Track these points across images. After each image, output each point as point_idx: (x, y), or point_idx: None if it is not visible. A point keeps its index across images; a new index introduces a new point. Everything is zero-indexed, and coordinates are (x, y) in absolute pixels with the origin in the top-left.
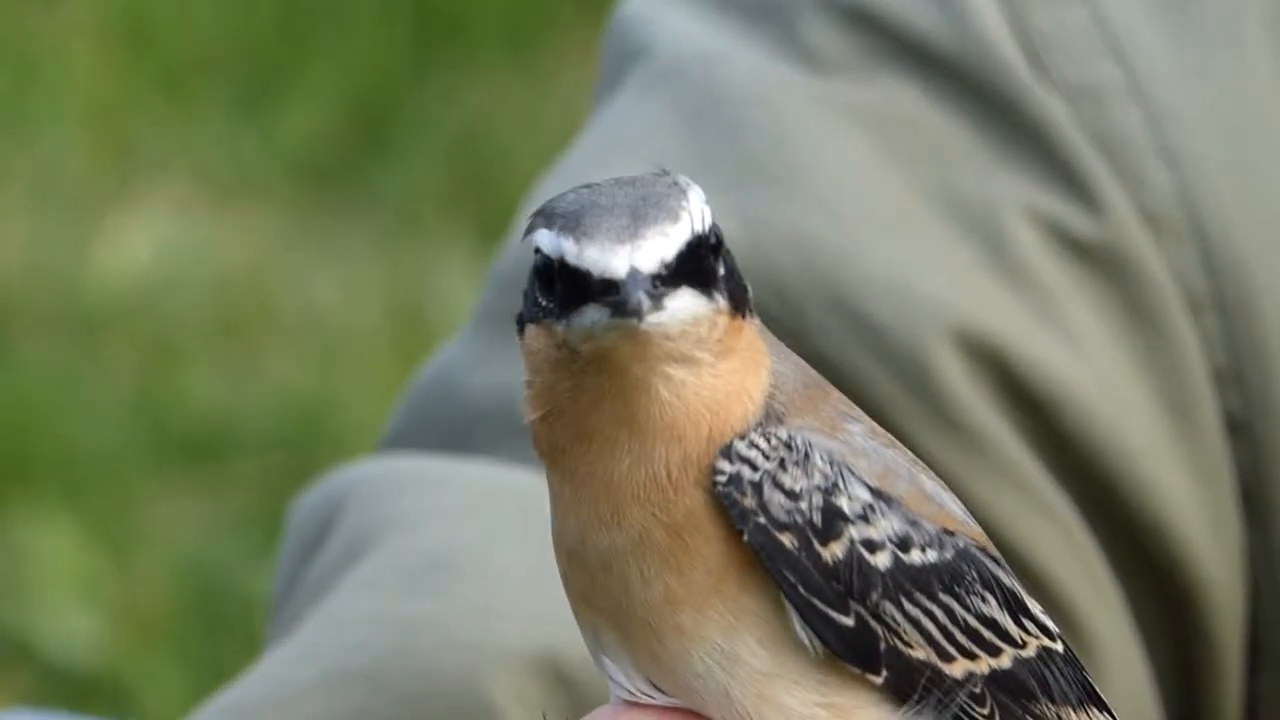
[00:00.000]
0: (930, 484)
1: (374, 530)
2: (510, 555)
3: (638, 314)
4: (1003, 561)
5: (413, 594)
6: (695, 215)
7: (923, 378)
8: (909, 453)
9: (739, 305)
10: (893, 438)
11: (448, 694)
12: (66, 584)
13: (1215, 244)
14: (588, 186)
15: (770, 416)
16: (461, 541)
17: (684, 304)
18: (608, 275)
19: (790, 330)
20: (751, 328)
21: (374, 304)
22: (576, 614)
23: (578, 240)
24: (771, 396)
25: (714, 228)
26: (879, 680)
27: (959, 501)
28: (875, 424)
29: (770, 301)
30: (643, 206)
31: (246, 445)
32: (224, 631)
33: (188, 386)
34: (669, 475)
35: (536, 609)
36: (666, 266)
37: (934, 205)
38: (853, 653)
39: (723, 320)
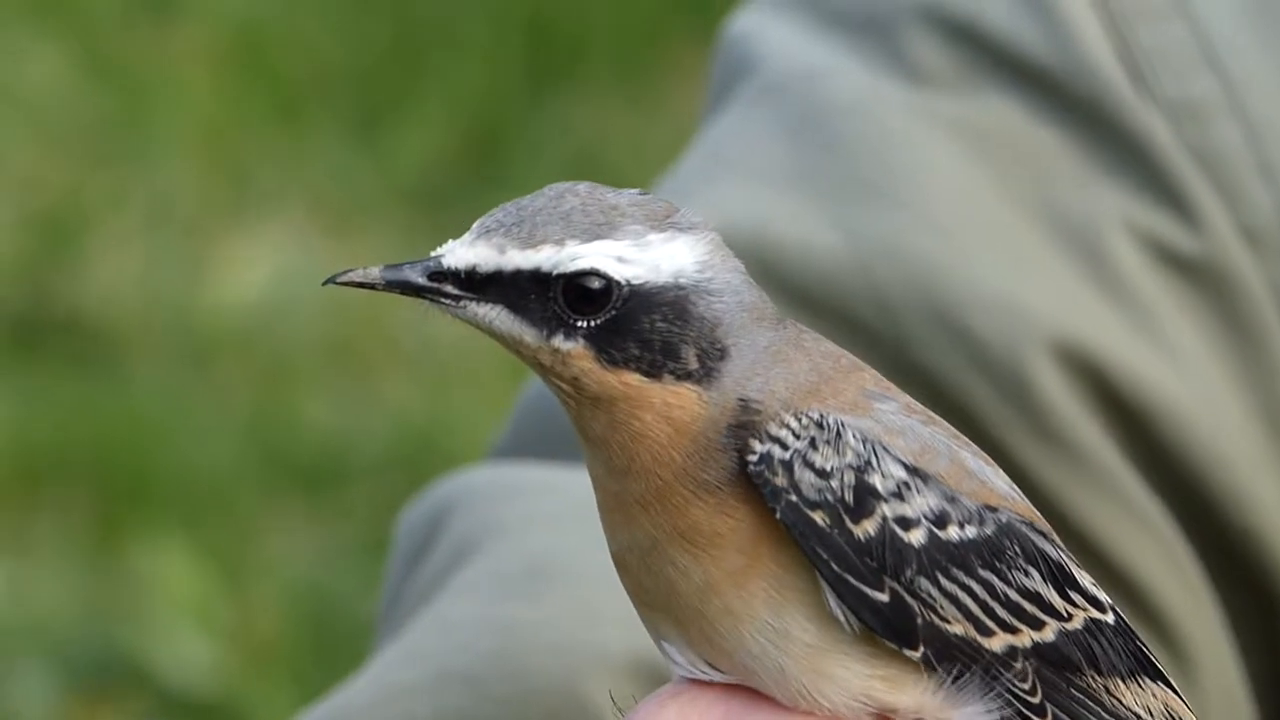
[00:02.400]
0: (972, 460)
1: (479, 536)
2: (609, 562)
3: (401, 286)
4: (1052, 535)
5: (514, 598)
6: (557, 258)
7: (1022, 390)
8: (950, 428)
9: (627, 363)
10: (931, 414)
11: (546, 695)
12: (182, 608)
13: None
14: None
15: (753, 429)
16: (562, 548)
17: (486, 315)
18: (436, 252)
19: (891, 342)
20: (641, 385)
21: None
22: (638, 612)
23: (479, 220)
24: (752, 414)
25: (596, 279)
26: (916, 655)
27: (1004, 476)
28: (911, 400)
29: (871, 313)
30: (530, 223)
31: (360, 471)
32: (337, 656)
33: (302, 412)
34: (643, 486)
35: (633, 612)
36: (473, 275)
37: (1035, 219)
38: (888, 628)
39: (577, 363)
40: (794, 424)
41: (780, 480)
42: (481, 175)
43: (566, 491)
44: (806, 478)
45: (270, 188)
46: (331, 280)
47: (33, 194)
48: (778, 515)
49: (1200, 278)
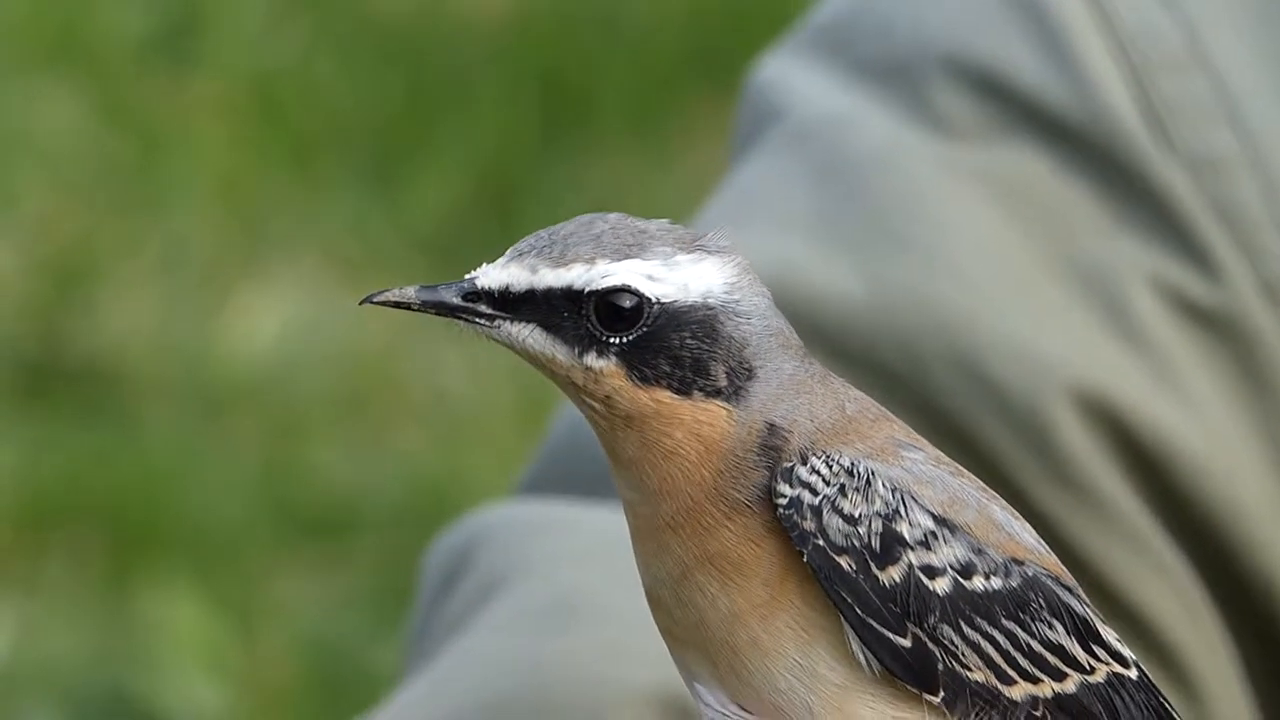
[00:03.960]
0: (1000, 513)
1: (505, 572)
2: (637, 600)
3: (436, 307)
4: (1078, 590)
5: (541, 634)
6: (589, 276)
7: (1041, 436)
8: (978, 482)
9: (658, 380)
10: (960, 467)
11: None
12: (192, 655)
13: None
14: (600, 221)
15: (781, 453)
16: (589, 584)
17: (519, 334)
18: (470, 275)
19: (914, 387)
20: (672, 402)
21: (500, 382)
22: (669, 649)
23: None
24: (780, 438)
25: (628, 296)
26: (936, 700)
27: (1031, 530)
28: (941, 454)
29: (894, 359)
30: (563, 244)
31: (371, 522)
32: (345, 705)
33: (313, 462)
34: (673, 508)
35: (660, 649)
36: (506, 294)
37: (1056, 269)
38: (908, 672)
39: (610, 381)
40: (824, 470)
41: (809, 525)
42: (495, 227)
43: (594, 529)
44: (835, 523)
45: (284, 237)
46: (368, 300)
47: (46, 239)
48: (805, 559)
49: (1219, 329)
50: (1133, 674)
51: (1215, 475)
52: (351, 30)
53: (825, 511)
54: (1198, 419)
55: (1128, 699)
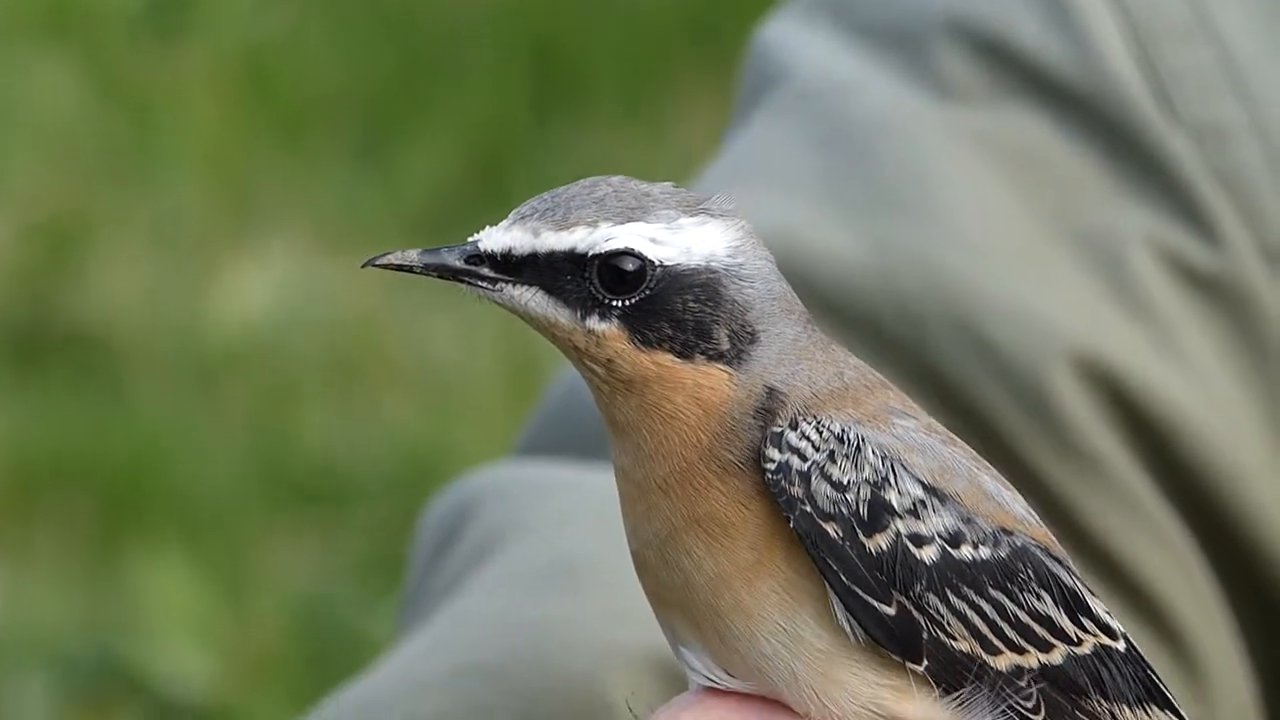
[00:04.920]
0: (991, 482)
1: (503, 533)
2: (630, 560)
3: (438, 269)
4: (1067, 561)
5: (537, 595)
6: (592, 239)
7: (1041, 401)
8: (970, 451)
9: (661, 344)
10: (952, 436)
11: (567, 692)
12: (181, 622)
13: None
14: (603, 184)
15: (777, 417)
16: (586, 546)
17: (521, 297)
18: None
19: (913, 350)
20: (674, 365)
21: (489, 351)
22: (655, 614)
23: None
24: (777, 402)
25: (631, 259)
26: (919, 669)
27: (1022, 501)
28: (932, 421)
29: (894, 322)
30: (565, 208)
31: (360, 490)
32: (334, 672)
33: (302, 431)
34: (666, 470)
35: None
36: (509, 257)
37: (1058, 234)
38: (893, 641)
39: (612, 345)
40: (814, 436)
41: (796, 490)
42: (485, 200)
43: (590, 490)
44: (823, 490)
45: (274, 209)
46: (370, 263)
47: (38, 210)
48: (792, 524)
49: (1219, 295)
50: (1120, 646)
51: (1214, 441)
52: (342, 3)
53: (814, 478)
54: (1198, 385)
55: (1115, 671)
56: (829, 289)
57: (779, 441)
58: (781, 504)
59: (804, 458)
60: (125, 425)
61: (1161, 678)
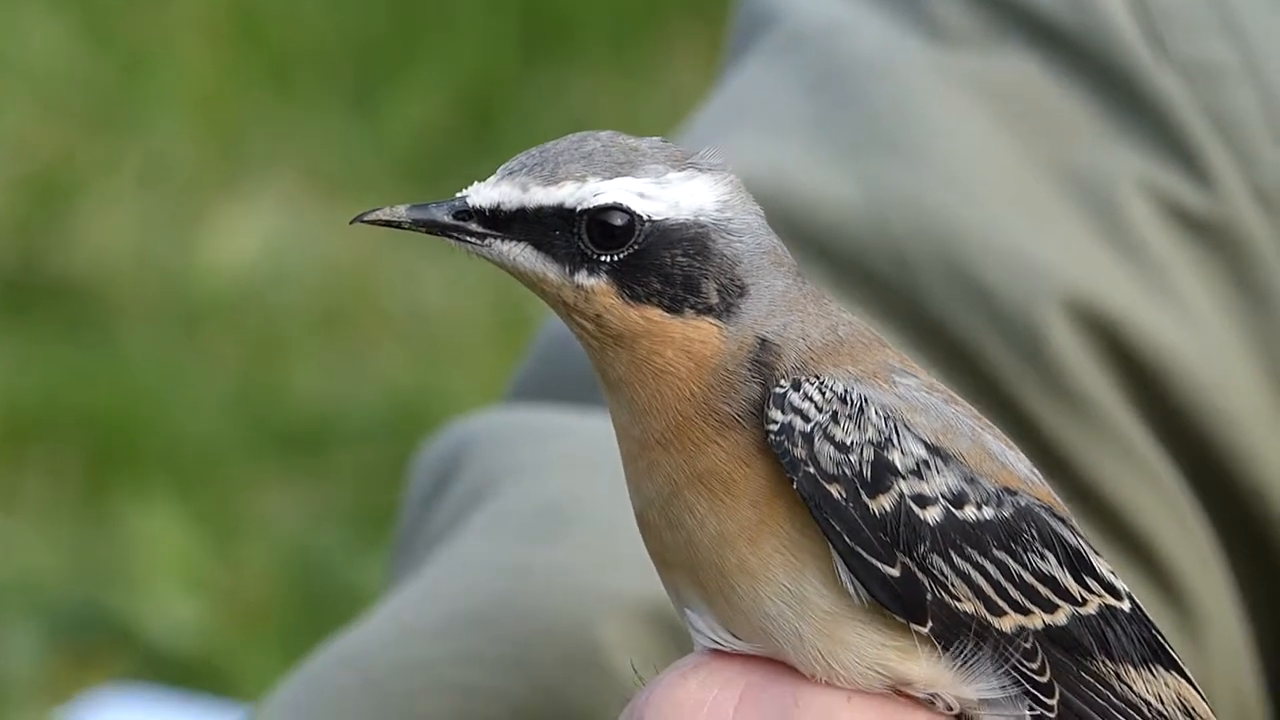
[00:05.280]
0: (994, 442)
1: (496, 478)
2: (625, 507)
3: (427, 225)
4: (1070, 521)
5: (529, 540)
6: (581, 194)
7: (1034, 345)
8: (972, 409)
9: (649, 298)
10: (953, 394)
11: (558, 637)
12: (170, 570)
13: None
14: (591, 139)
15: (774, 370)
16: (579, 491)
17: (509, 252)
18: (461, 193)
19: (905, 294)
20: (662, 320)
21: (478, 299)
22: (660, 576)
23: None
24: (771, 355)
25: (619, 214)
26: (924, 630)
27: (1025, 460)
28: (933, 380)
29: (887, 266)
30: (553, 163)
31: (349, 438)
32: (324, 620)
33: (291, 379)
34: (663, 425)
35: (648, 557)
36: (497, 213)
37: (1049, 177)
38: (897, 602)
39: (601, 300)
40: (817, 397)
41: (800, 451)
42: (475, 146)
43: (584, 435)
44: (826, 451)
45: (264, 156)
46: (359, 219)
47: (27, 157)
48: (795, 486)
49: (1212, 237)
50: (1125, 606)
51: (1207, 384)
52: None
53: (817, 438)
54: (1191, 328)
55: (1119, 631)
56: (820, 231)
57: (781, 402)
58: (785, 465)
59: (807, 419)
60: (114, 373)
61: (1165, 637)
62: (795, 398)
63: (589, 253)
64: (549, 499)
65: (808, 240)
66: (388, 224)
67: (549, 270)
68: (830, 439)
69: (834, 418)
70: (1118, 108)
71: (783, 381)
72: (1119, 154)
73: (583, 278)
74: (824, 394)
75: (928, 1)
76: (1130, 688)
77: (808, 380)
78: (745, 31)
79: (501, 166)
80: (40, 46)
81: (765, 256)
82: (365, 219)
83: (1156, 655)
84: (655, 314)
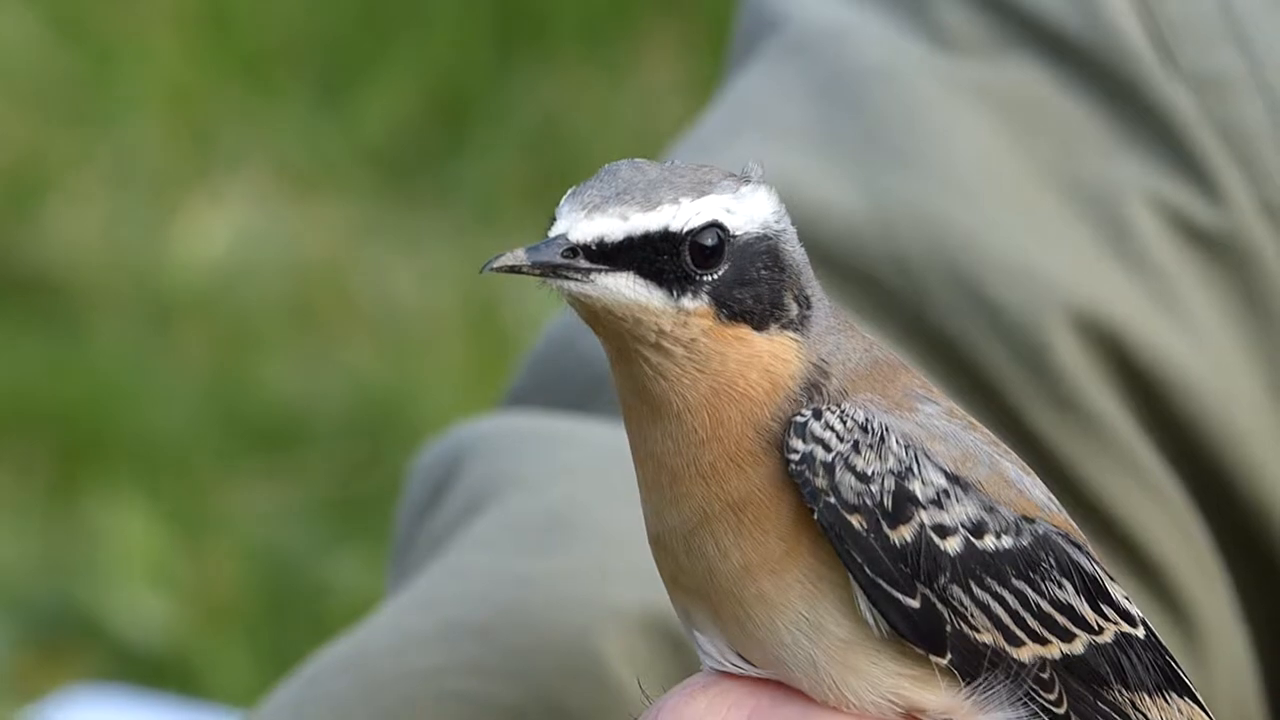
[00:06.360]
0: (1012, 469)
1: (494, 486)
2: (627, 516)
3: (543, 268)
4: (1086, 547)
5: (529, 550)
6: (682, 215)
7: (1039, 357)
8: (990, 435)
9: (742, 316)
10: (972, 420)
11: (558, 649)
12: (138, 566)
13: None
14: (642, 166)
15: (820, 393)
16: (580, 500)
17: (615, 284)
18: (553, 233)
19: (910, 305)
20: (752, 338)
21: (450, 296)
22: (670, 596)
23: (567, 201)
24: (822, 376)
25: (714, 232)
26: (943, 661)
27: (1042, 487)
28: (954, 405)
29: (891, 275)
30: (635, 190)
31: (319, 434)
32: (292, 617)
33: (262, 374)
34: (715, 453)
35: (650, 570)
36: (602, 245)
37: (1057, 188)
38: (917, 634)
39: (699, 322)
40: (838, 426)
41: (821, 482)
42: (447, 141)
43: (585, 443)
44: (847, 481)
45: (235, 150)
46: (488, 267)
47: None
48: (815, 516)
49: (1219, 251)
50: (1140, 633)
51: (1212, 398)
52: None
53: (838, 468)
54: (1196, 341)
55: (1134, 658)
56: (825, 240)
57: (803, 431)
58: (805, 495)
59: (828, 448)
60: (84, 368)
61: (1179, 663)
62: (816, 427)
63: (692, 274)
64: (550, 509)
65: (812, 248)
66: (512, 270)
67: (653, 298)
68: (851, 469)
69: (855, 447)
70: (1126, 119)
71: (804, 411)
72: (1126, 166)
73: (688, 300)
74: (845, 423)
75: (935, 9)
76: (1145, 716)
77: (829, 409)
78: (749, 34)
79: (570, 202)
80: (10, 40)
81: (808, 267)
82: (493, 267)
83: (1170, 682)
84: (746, 332)
